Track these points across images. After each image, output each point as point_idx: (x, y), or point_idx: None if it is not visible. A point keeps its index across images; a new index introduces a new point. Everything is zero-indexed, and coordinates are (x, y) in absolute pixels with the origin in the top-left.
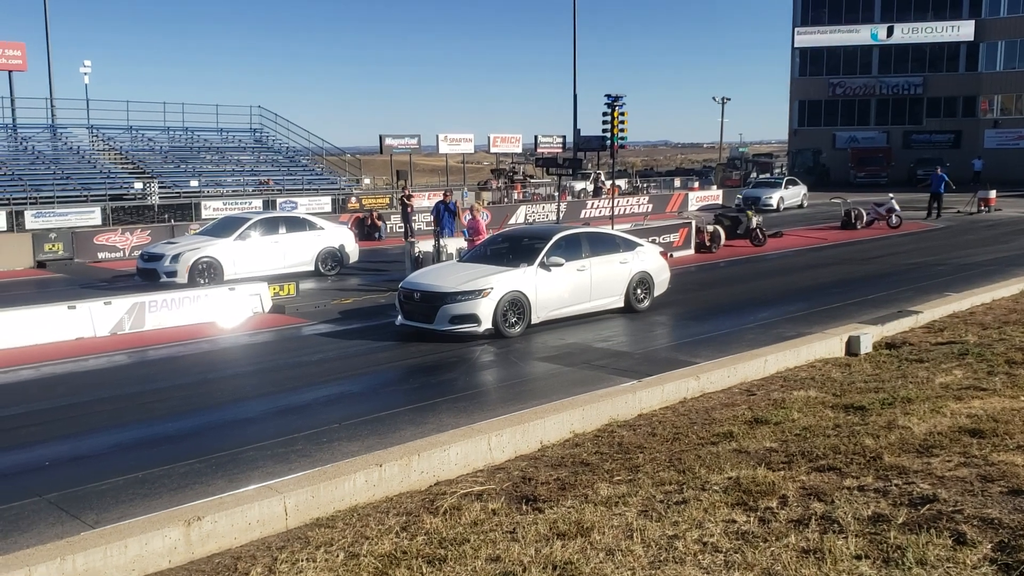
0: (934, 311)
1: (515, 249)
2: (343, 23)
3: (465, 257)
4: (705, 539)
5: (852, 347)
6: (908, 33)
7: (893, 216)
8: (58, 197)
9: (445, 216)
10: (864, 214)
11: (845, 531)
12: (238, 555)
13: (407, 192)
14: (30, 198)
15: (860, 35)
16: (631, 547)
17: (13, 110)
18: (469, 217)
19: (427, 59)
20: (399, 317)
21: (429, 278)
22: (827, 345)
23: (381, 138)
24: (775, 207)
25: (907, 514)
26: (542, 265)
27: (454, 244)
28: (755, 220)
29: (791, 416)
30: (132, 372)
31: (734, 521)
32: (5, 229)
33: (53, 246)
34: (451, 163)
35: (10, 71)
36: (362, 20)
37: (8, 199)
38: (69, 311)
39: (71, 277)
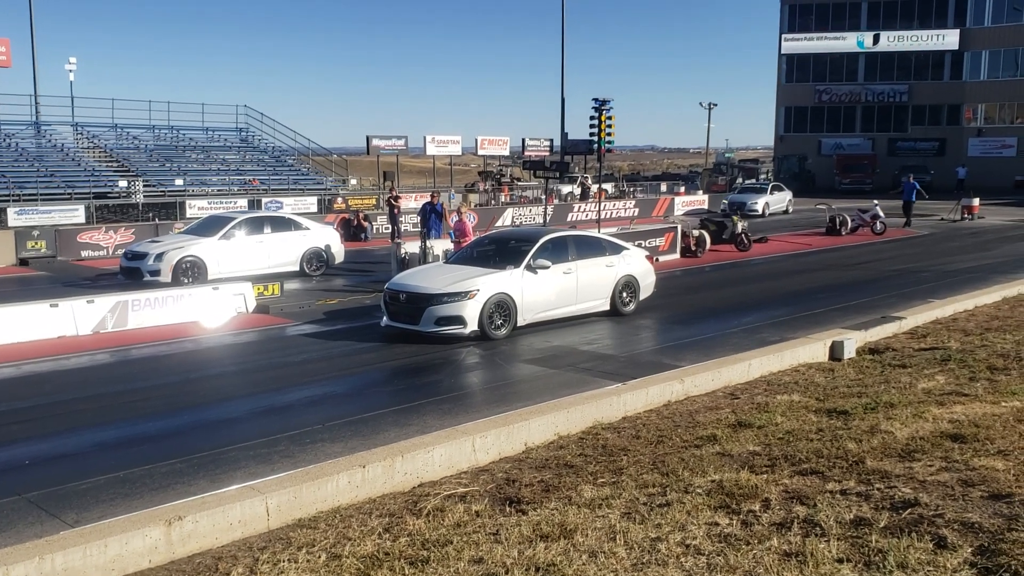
0: (917, 317)
1: (502, 251)
2: (330, 23)
3: (452, 259)
4: (688, 541)
5: (836, 352)
6: (894, 41)
7: (878, 223)
8: (42, 195)
9: (432, 217)
10: (849, 220)
11: (827, 534)
12: (219, 555)
13: (394, 193)
14: (13, 195)
15: (846, 42)
16: (614, 549)
17: None
18: (456, 219)
19: (415, 60)
20: (384, 318)
21: (415, 279)
22: (811, 350)
23: (368, 139)
24: (760, 212)
25: (889, 518)
26: (528, 267)
27: (441, 245)
28: (740, 225)
29: (774, 420)
30: (114, 371)
31: (717, 524)
32: None
33: (36, 244)
34: (438, 165)
35: None
36: (350, 20)
37: None
38: (51, 309)
39: (54, 275)
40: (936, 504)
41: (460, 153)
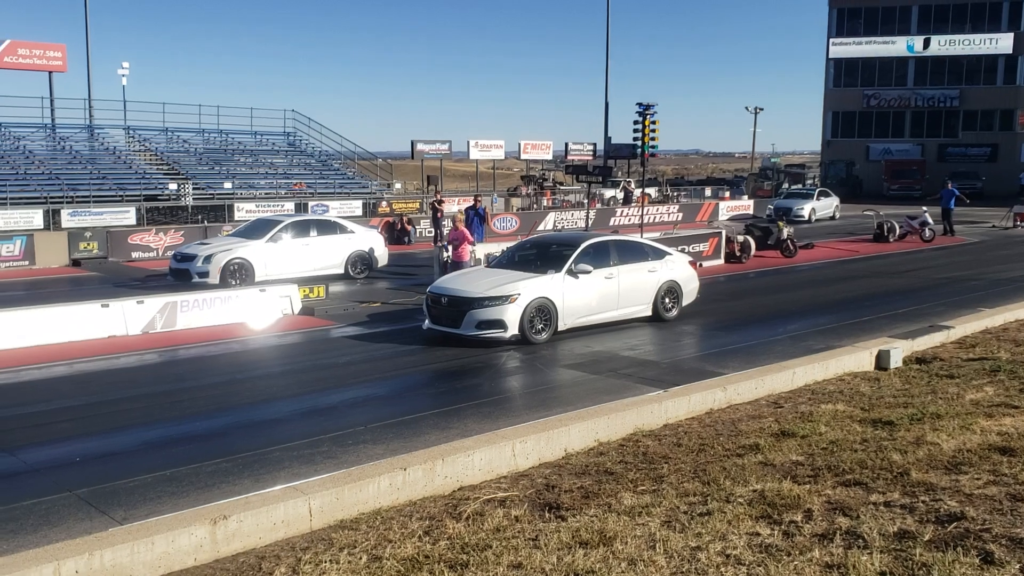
0: (966, 326)
1: (543, 255)
2: (376, 29)
3: (493, 263)
4: (728, 551)
5: (882, 361)
6: (945, 45)
7: (926, 230)
8: (94, 196)
9: (475, 221)
10: (897, 227)
11: (870, 547)
12: (262, 555)
13: (438, 197)
14: (67, 197)
15: (896, 46)
16: (653, 558)
17: (52, 110)
18: (449, 227)
19: (459, 65)
20: (426, 321)
21: (457, 283)
22: (856, 359)
23: (413, 143)
24: (806, 218)
25: (934, 531)
26: (570, 272)
27: (483, 249)
28: (786, 231)
29: (818, 430)
30: (163, 371)
31: (758, 534)
32: (42, 227)
33: (88, 245)
34: (482, 169)
35: (50, 72)
36: (395, 26)
37: (45, 198)
38: (102, 309)
39: (105, 276)
40: (983, 518)
41: (503, 157)
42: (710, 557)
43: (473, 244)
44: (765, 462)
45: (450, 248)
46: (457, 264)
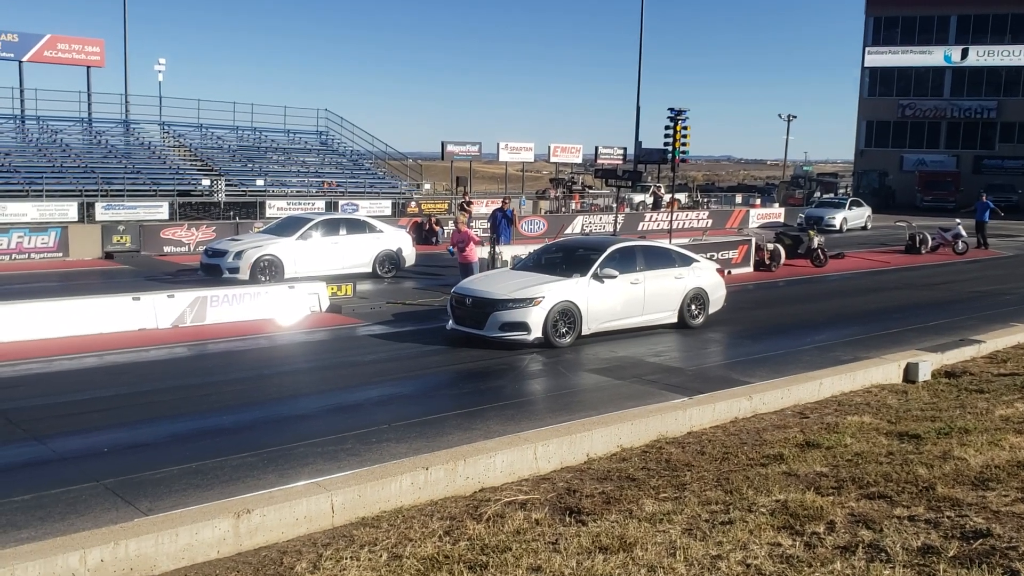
0: (998, 341)
1: (569, 259)
2: (410, 29)
3: (518, 265)
4: (749, 561)
5: (910, 374)
6: (984, 56)
7: (959, 242)
8: (128, 190)
9: (502, 223)
10: (929, 239)
11: (892, 561)
12: (284, 549)
13: (466, 198)
14: (101, 190)
15: (933, 56)
16: (673, 565)
17: (89, 105)
18: (452, 230)
19: (491, 67)
20: (450, 322)
21: (481, 284)
22: (884, 371)
23: (443, 144)
24: (838, 228)
25: (958, 547)
26: (595, 276)
27: (509, 251)
28: (817, 240)
29: (843, 441)
30: (191, 365)
31: (779, 544)
32: (76, 220)
33: (121, 238)
34: (511, 171)
35: (88, 67)
36: (428, 27)
37: (80, 191)
38: (133, 302)
39: (137, 269)
40: (1010, 536)
41: (533, 160)
42: (731, 566)
43: (479, 243)
44: (789, 472)
45: (455, 251)
46: (466, 267)
